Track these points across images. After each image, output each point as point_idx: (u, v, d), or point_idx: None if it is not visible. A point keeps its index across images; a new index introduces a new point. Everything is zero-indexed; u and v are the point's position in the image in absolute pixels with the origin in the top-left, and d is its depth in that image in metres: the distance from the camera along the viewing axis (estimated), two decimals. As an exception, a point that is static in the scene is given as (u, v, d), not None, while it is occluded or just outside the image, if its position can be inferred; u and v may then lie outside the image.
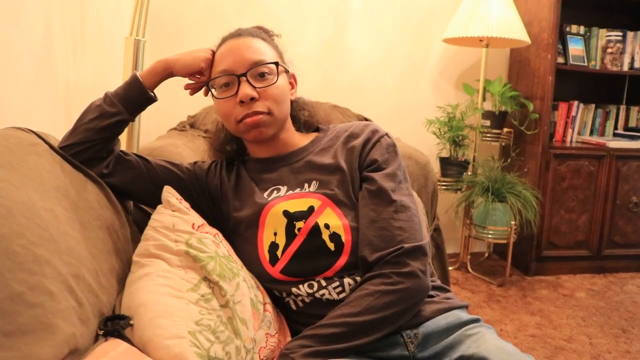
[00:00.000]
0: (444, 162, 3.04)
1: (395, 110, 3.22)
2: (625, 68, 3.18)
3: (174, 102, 2.50)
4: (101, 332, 0.83)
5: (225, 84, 1.12)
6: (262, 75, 1.11)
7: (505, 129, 3.10)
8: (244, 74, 1.10)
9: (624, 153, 3.05)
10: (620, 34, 3.13)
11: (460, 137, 2.95)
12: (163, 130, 2.56)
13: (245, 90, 1.09)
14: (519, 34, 2.77)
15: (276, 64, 1.13)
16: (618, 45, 3.12)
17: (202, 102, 1.33)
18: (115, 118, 1.10)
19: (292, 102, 1.22)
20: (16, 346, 0.65)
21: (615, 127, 3.35)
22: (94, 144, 1.09)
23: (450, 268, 3.06)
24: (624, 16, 3.34)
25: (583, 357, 2.11)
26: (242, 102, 1.09)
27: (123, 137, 1.69)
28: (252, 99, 1.09)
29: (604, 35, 3.16)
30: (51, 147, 1.02)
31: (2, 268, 0.69)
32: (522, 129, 3.04)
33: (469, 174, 3.03)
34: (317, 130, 1.29)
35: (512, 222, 2.82)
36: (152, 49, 2.70)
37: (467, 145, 3.02)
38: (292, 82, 1.24)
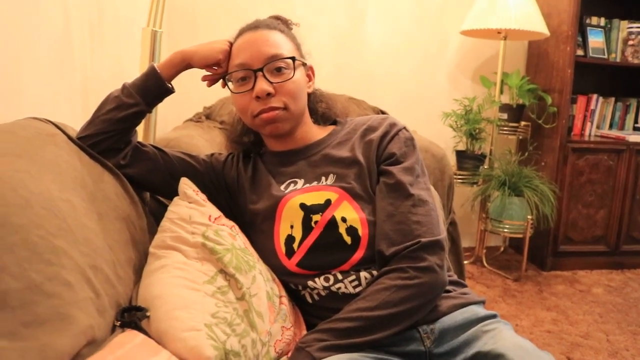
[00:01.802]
0: (460, 155, 3.02)
1: (412, 103, 3.20)
2: (647, 61, 3.13)
3: (190, 93, 2.50)
4: (118, 323, 0.83)
5: (242, 78, 1.12)
6: (278, 70, 1.11)
7: (523, 123, 3.07)
8: (261, 69, 1.09)
9: (644, 147, 3.00)
10: (642, 26, 3.07)
11: (477, 130, 2.93)
12: (179, 121, 2.57)
13: (262, 85, 1.08)
14: (538, 26, 2.74)
15: (293, 58, 1.12)
16: (640, 37, 3.07)
17: (218, 93, 1.32)
18: (133, 109, 1.10)
19: (309, 94, 1.21)
20: (34, 336, 0.66)
21: (636, 121, 3.30)
22: (111, 134, 1.09)
23: (465, 262, 3.05)
24: (646, 8, 3.28)
25: (600, 354, 2.08)
26: (258, 97, 1.09)
27: (140, 128, 1.68)
28: (269, 94, 1.09)
29: (625, 27, 3.11)
30: (69, 137, 1.03)
31: (20, 258, 0.69)
32: (540, 123, 3.00)
33: (486, 167, 3.01)
34: (334, 123, 1.28)
35: (529, 217, 2.79)
36: (169, 40, 2.70)
37: (484, 138, 2.99)
38: (310, 74, 1.23)
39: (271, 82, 1.09)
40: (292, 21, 1.25)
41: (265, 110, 1.10)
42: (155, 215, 1.19)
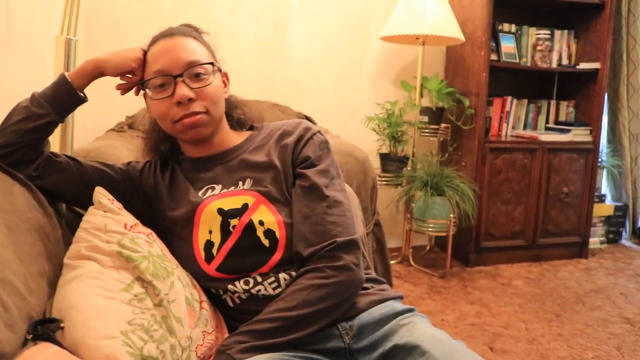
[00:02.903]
0: (384, 158, 3.09)
1: (335, 108, 3.26)
2: (554, 65, 3.32)
3: (112, 103, 2.45)
4: (30, 337, 0.81)
5: (161, 85, 1.11)
6: (197, 76, 1.11)
7: (443, 125, 3.18)
8: (180, 75, 1.09)
9: (554, 146, 3.19)
10: (549, 32, 3.26)
11: (399, 133, 3.02)
12: (101, 131, 2.51)
13: (183, 91, 1.09)
14: (454, 32, 2.86)
15: (212, 64, 1.14)
16: (547, 43, 3.26)
17: (140, 102, 1.30)
18: (44, 120, 1.07)
19: (225, 100, 1.22)
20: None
21: (547, 122, 3.50)
22: (21, 146, 1.06)
23: (392, 262, 3.13)
24: (552, 15, 3.49)
25: (519, 342, 2.19)
26: (179, 102, 1.09)
27: (56, 139, 1.64)
28: (190, 99, 1.09)
29: (533, 34, 3.29)
30: (-25, 149, 0.99)
31: None
32: (459, 124, 3.12)
33: (409, 169, 3.09)
34: (251, 128, 1.30)
35: (451, 215, 2.90)
36: (86, 48, 2.64)
37: (406, 141, 3.08)
38: (225, 80, 1.24)
39: (192, 88, 1.10)
40: (203, 29, 1.26)
41: (187, 115, 1.10)
42: (73, 226, 1.15)
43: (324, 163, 1.14)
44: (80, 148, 1.86)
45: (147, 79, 1.13)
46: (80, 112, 1.17)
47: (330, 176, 1.12)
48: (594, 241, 3.54)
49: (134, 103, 2.20)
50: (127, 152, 1.97)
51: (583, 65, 3.27)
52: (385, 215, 3.09)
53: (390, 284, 2.25)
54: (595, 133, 3.28)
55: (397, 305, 1.09)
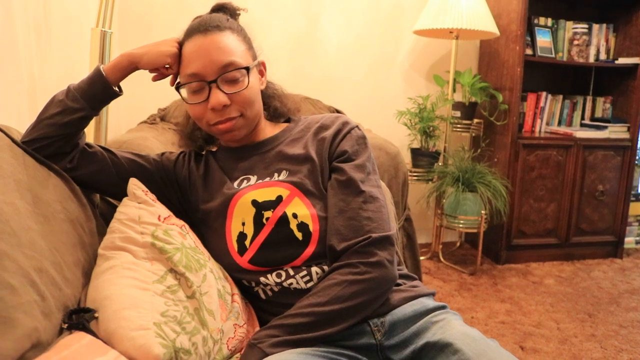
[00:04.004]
0: (415, 152, 3.07)
1: (367, 102, 3.24)
2: (591, 60, 3.25)
3: (145, 95, 2.48)
4: (65, 326, 0.82)
5: (195, 89, 1.10)
6: (233, 80, 1.10)
7: (475, 120, 3.14)
8: (215, 81, 1.08)
9: (590, 143, 3.11)
10: (586, 26, 3.18)
11: (431, 128, 2.98)
12: (133, 123, 2.53)
13: (218, 98, 1.07)
14: (488, 25, 2.81)
15: (247, 68, 1.11)
16: (584, 37, 3.18)
17: (172, 94, 1.30)
18: (78, 114, 1.07)
19: (261, 91, 1.21)
20: (-25, 340, 0.65)
21: (582, 118, 3.42)
22: (56, 139, 1.07)
23: (422, 258, 3.10)
24: (590, 9, 3.40)
25: (551, 342, 2.15)
26: (213, 109, 1.09)
27: (90, 130, 1.67)
28: (224, 105, 1.09)
29: (570, 28, 3.22)
30: (13, 141, 1.00)
31: (-40, 262, 0.68)
32: (492, 120, 3.08)
33: (440, 164, 3.06)
34: (288, 120, 1.29)
35: (483, 212, 2.86)
36: (120, 40, 2.67)
37: (438, 136, 3.05)
38: (262, 69, 1.23)
39: (226, 93, 1.09)
40: (239, 7, 1.23)
41: (222, 121, 1.10)
42: (106, 217, 1.17)
43: (361, 158, 1.13)
44: (114, 140, 1.88)
45: (181, 81, 1.13)
46: (113, 104, 1.17)
47: (366, 171, 1.11)
48: (629, 241, 3.46)
49: (166, 95, 2.23)
50: (159, 144, 1.99)
51: (622, 60, 3.17)
52: (415, 210, 3.07)
53: (420, 280, 2.24)
54: (633, 130, 3.19)
55: (429, 302, 1.07)
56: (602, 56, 3.26)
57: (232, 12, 1.22)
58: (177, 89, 1.14)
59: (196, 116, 1.13)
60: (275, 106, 1.27)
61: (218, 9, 1.22)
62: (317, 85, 3.09)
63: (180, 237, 1.01)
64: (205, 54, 1.08)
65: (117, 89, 1.13)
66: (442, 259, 3.12)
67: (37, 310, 0.76)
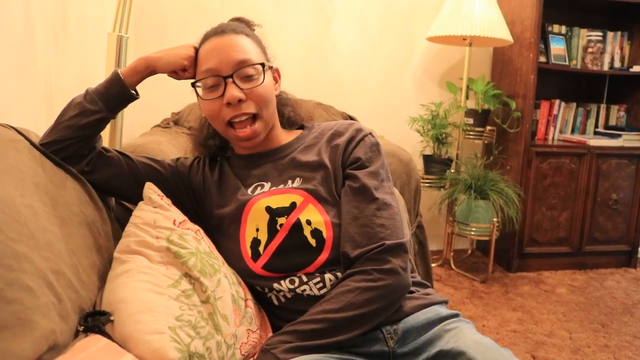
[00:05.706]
0: (427, 159, 3.06)
1: (379, 108, 3.24)
2: (606, 67, 3.23)
3: (158, 99, 2.50)
4: (81, 328, 0.83)
5: (211, 85, 1.12)
6: (248, 76, 1.11)
7: (488, 127, 3.13)
8: (230, 75, 1.10)
9: (604, 151, 3.09)
10: (601, 34, 3.17)
11: (444, 135, 2.97)
12: (147, 127, 2.55)
13: (233, 92, 1.09)
14: (502, 33, 2.80)
15: (262, 64, 1.13)
16: (598, 45, 3.16)
17: (186, 99, 1.31)
18: (96, 116, 1.09)
19: (275, 97, 1.22)
20: (-6, 342, 0.65)
21: (596, 126, 3.39)
22: (74, 141, 1.08)
23: (433, 265, 3.09)
24: (604, 16, 3.38)
25: (563, 352, 2.14)
26: (229, 103, 1.10)
27: (105, 134, 1.68)
28: (240, 100, 1.10)
29: (584, 35, 3.20)
30: (31, 143, 1.02)
31: (-20, 264, 0.68)
32: (505, 127, 3.06)
33: (452, 171, 3.05)
34: (301, 127, 1.30)
35: (495, 219, 2.85)
36: (136, 44, 2.69)
37: (451, 143, 3.04)
38: (276, 76, 1.24)
39: (241, 89, 1.10)
40: (255, 22, 1.26)
41: (237, 116, 1.11)
42: (121, 220, 1.18)
43: (375, 165, 1.13)
44: (128, 144, 1.89)
45: (197, 78, 1.14)
46: (128, 108, 1.18)
47: (380, 178, 1.11)
48: (644, 250, 3.42)
49: (180, 99, 2.24)
50: (172, 148, 2.00)
51: (637, 68, 3.15)
52: (427, 217, 3.06)
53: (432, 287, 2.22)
54: (648, 138, 3.17)
55: (442, 310, 1.07)
56: (617, 64, 3.24)
57: (247, 24, 1.24)
58: (193, 85, 1.16)
59: (211, 114, 1.14)
60: (289, 113, 1.28)
61: (234, 19, 1.24)
62: (329, 90, 3.10)
63: (195, 241, 1.01)
64: (221, 52, 1.11)
65: (133, 92, 1.14)
66: (453, 266, 3.11)
67: (54, 312, 0.77)
